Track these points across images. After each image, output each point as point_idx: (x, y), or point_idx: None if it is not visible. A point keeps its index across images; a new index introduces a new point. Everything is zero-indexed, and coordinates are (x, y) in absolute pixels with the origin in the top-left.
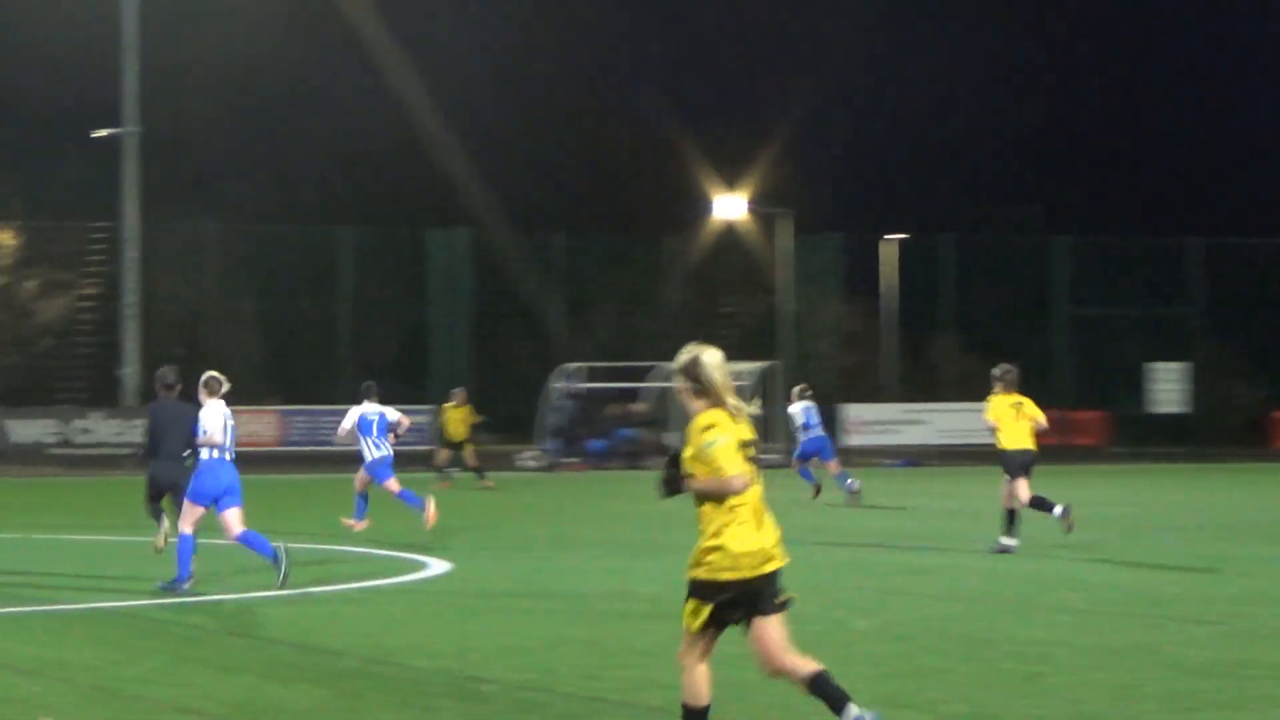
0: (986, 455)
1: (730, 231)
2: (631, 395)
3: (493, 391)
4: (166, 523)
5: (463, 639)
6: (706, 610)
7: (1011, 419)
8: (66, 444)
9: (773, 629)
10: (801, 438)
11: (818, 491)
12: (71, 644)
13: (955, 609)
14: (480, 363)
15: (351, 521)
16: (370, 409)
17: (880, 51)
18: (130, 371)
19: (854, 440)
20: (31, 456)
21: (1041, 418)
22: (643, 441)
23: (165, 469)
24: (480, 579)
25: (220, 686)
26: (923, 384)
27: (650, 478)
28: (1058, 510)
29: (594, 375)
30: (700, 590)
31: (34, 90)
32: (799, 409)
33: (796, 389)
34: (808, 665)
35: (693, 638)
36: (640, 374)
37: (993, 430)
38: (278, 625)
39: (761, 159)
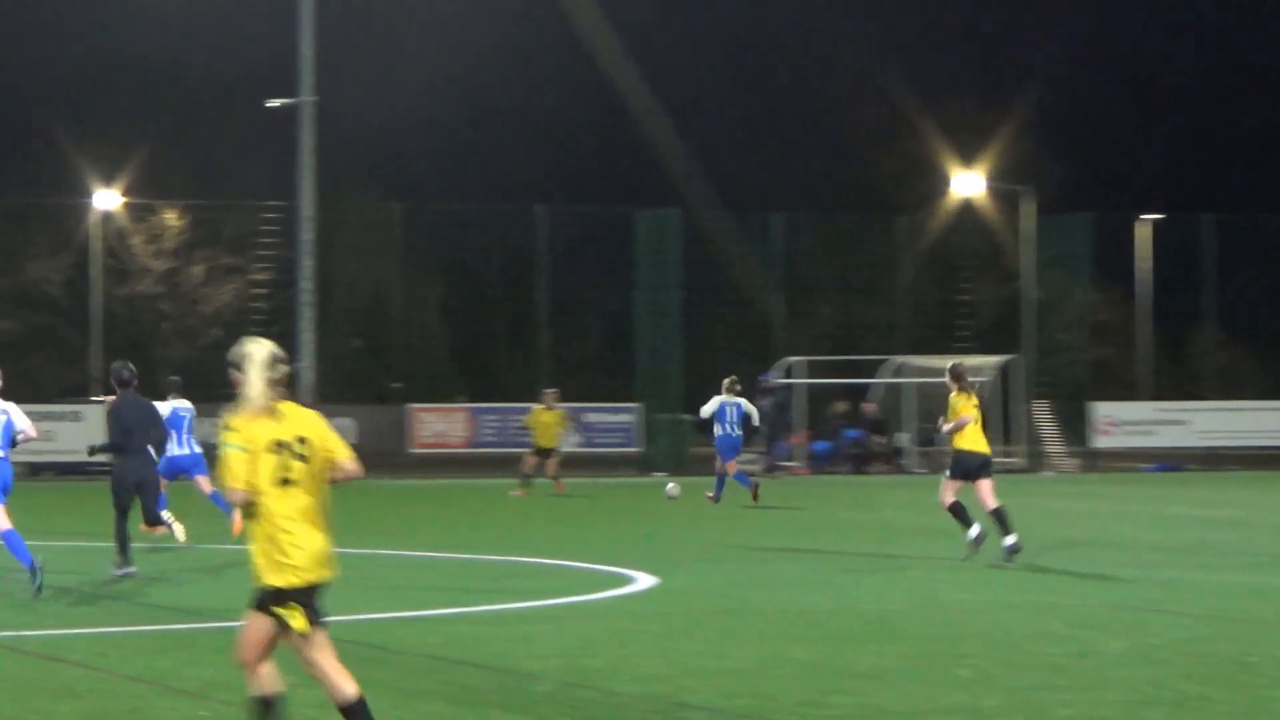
0: (1254, 458)
1: (968, 211)
2: (858, 392)
3: (704, 388)
4: (177, 525)
5: (669, 660)
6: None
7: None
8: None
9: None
10: (722, 432)
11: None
12: (172, 661)
13: (1217, 630)
14: (690, 356)
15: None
16: (183, 405)
17: (1129, 14)
18: (306, 366)
19: (1104, 442)
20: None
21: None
22: (870, 443)
23: (134, 466)
24: (688, 594)
25: (404, 713)
26: (1181, 380)
27: (876, 483)
28: (973, 531)
29: (815, 370)
30: (270, 597)
31: (201, 57)
32: (719, 403)
33: (727, 380)
34: (350, 687)
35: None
36: (869, 369)
37: (957, 429)
38: (465, 645)
39: (1001, 132)
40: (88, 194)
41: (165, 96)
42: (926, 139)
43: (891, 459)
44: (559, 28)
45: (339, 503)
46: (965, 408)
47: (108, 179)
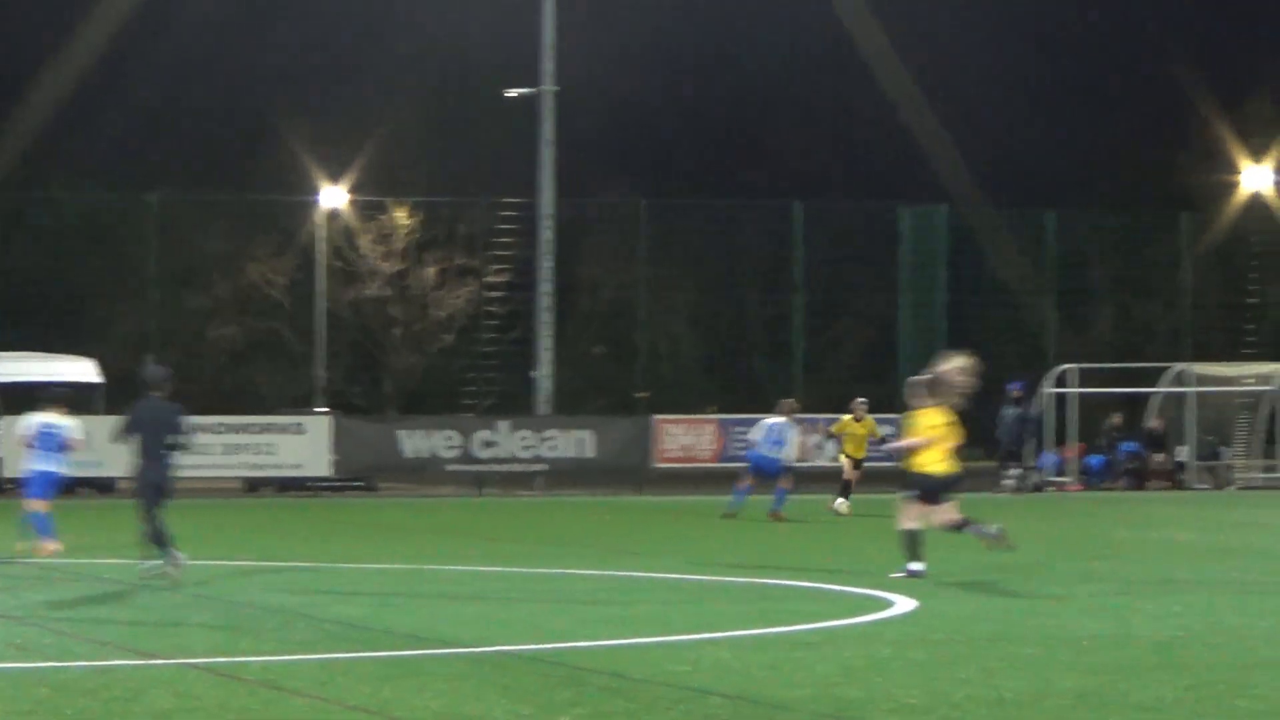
0: None
1: (1257, 207)
2: (1135, 402)
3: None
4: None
5: (930, 691)
6: None
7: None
8: (468, 458)
9: None
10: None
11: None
12: (473, 694)
13: None
14: None
15: (42, 544)
16: (55, 420)
17: None
18: (545, 375)
19: None
20: (428, 472)
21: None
22: (1148, 458)
23: (152, 470)
24: (951, 619)
25: None
26: None
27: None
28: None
29: (1090, 379)
30: None
31: (434, 45)
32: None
33: (789, 402)
34: None
35: None
36: (1148, 377)
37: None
38: (712, 673)
39: None
40: (313, 192)
41: (396, 88)
42: (1214, 132)
43: (1172, 474)
44: (819, 15)
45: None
46: (926, 427)
47: (335, 176)
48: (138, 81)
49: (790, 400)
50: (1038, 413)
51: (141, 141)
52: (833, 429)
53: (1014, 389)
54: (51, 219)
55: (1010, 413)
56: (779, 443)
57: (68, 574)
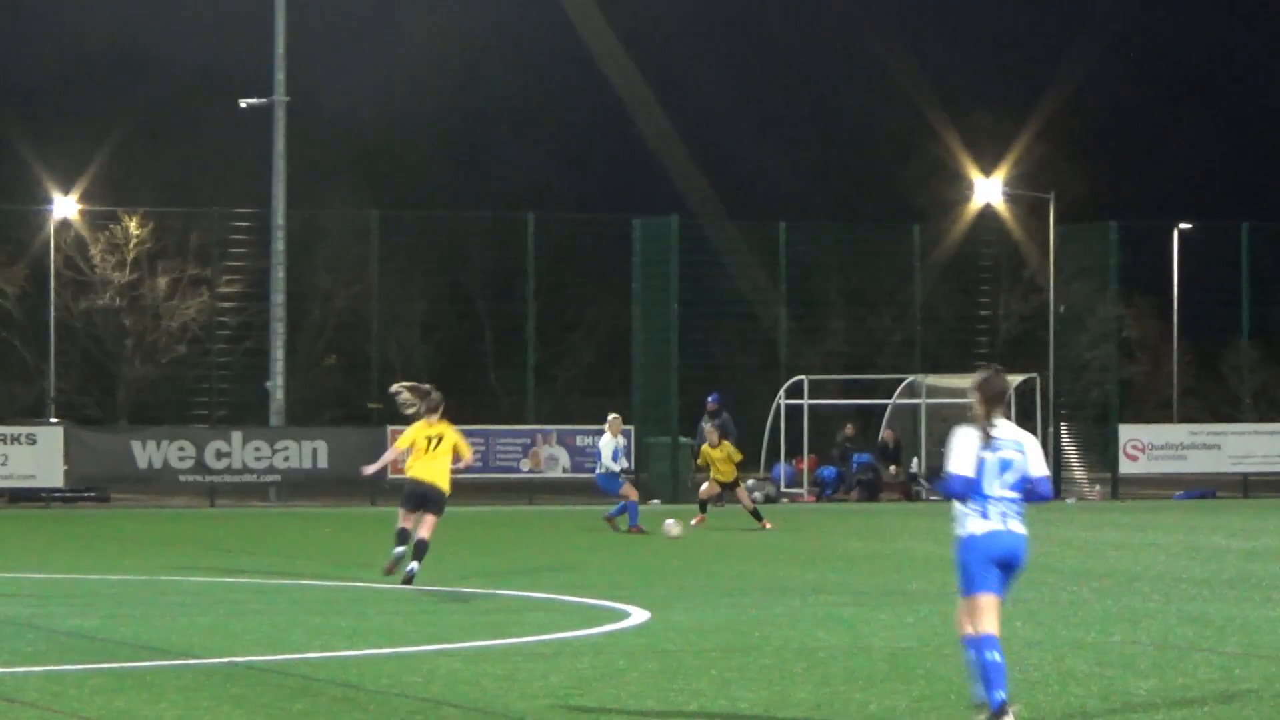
0: None
1: (988, 220)
2: (870, 414)
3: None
4: None
5: (665, 701)
6: None
7: None
8: (201, 469)
9: None
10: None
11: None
12: (206, 705)
13: (1253, 669)
14: (688, 375)
15: None
16: None
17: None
18: (278, 385)
19: (1131, 467)
20: (161, 483)
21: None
22: (882, 469)
23: None
24: (686, 630)
25: None
26: (1214, 401)
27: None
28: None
29: (823, 390)
30: None
31: (167, 54)
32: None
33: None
34: None
35: None
36: (882, 388)
37: None
38: (448, 683)
39: (1022, 137)
40: (45, 201)
41: (129, 97)
42: (945, 144)
43: (905, 486)
44: (554, 24)
45: (311, 534)
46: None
47: (65, 185)
48: None
49: (617, 416)
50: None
51: None
52: (698, 462)
53: (712, 401)
54: None
55: (707, 425)
56: (615, 458)
57: None
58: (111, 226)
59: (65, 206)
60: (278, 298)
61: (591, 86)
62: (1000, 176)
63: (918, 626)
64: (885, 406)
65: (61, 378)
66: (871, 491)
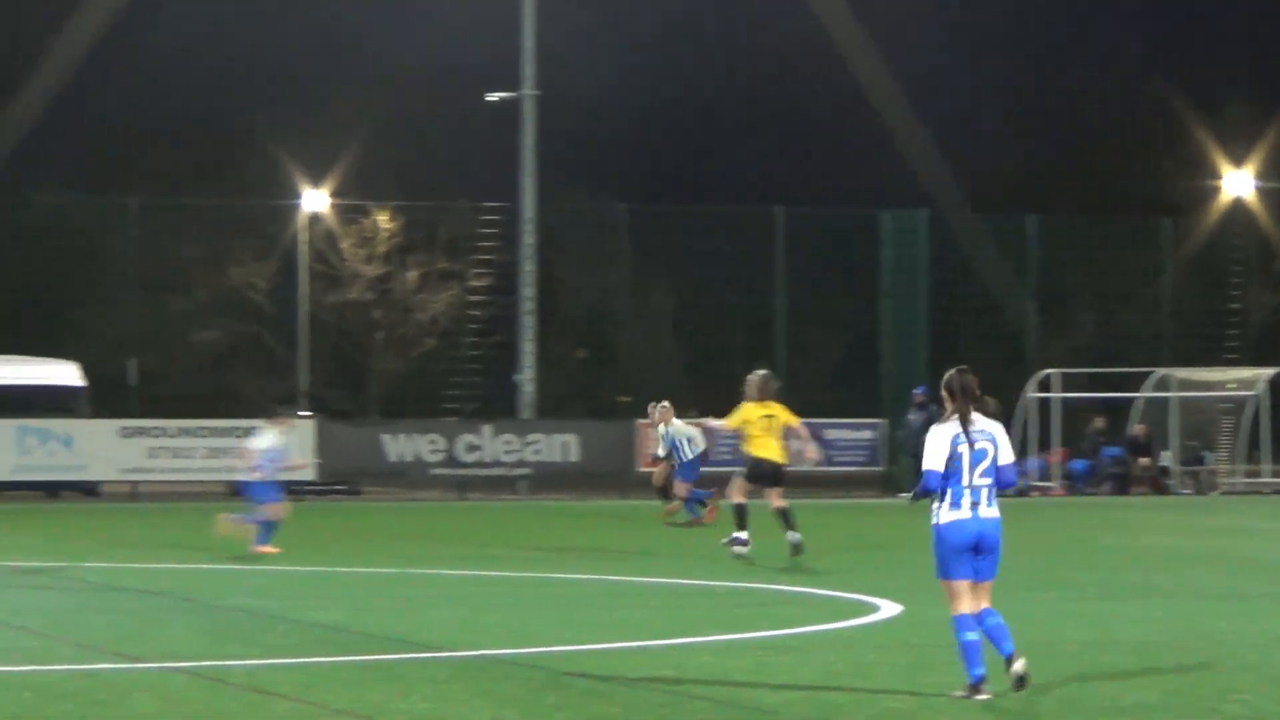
0: None
1: (1239, 213)
2: (1119, 407)
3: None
4: None
5: (915, 695)
6: None
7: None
8: (452, 462)
9: None
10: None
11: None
12: (456, 698)
13: None
14: (936, 368)
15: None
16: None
17: None
18: (527, 378)
19: None
20: (412, 477)
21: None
22: (1132, 462)
23: None
24: (935, 623)
25: None
26: None
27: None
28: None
29: (1072, 383)
30: None
31: (415, 48)
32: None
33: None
34: None
35: None
36: (1131, 382)
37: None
38: (698, 676)
39: (1271, 129)
40: (295, 195)
41: (378, 90)
42: (1196, 137)
43: (1155, 480)
44: (801, 19)
45: (562, 527)
46: (745, 415)
47: (316, 179)
48: (118, 85)
49: (667, 405)
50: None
51: (122, 145)
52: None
53: (920, 393)
54: (31, 222)
55: (915, 418)
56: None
57: (54, 577)
58: (361, 220)
59: (316, 200)
60: (527, 291)
61: (837, 79)
62: (1251, 169)
63: (1166, 621)
64: (1133, 400)
65: (312, 371)
66: (1121, 485)
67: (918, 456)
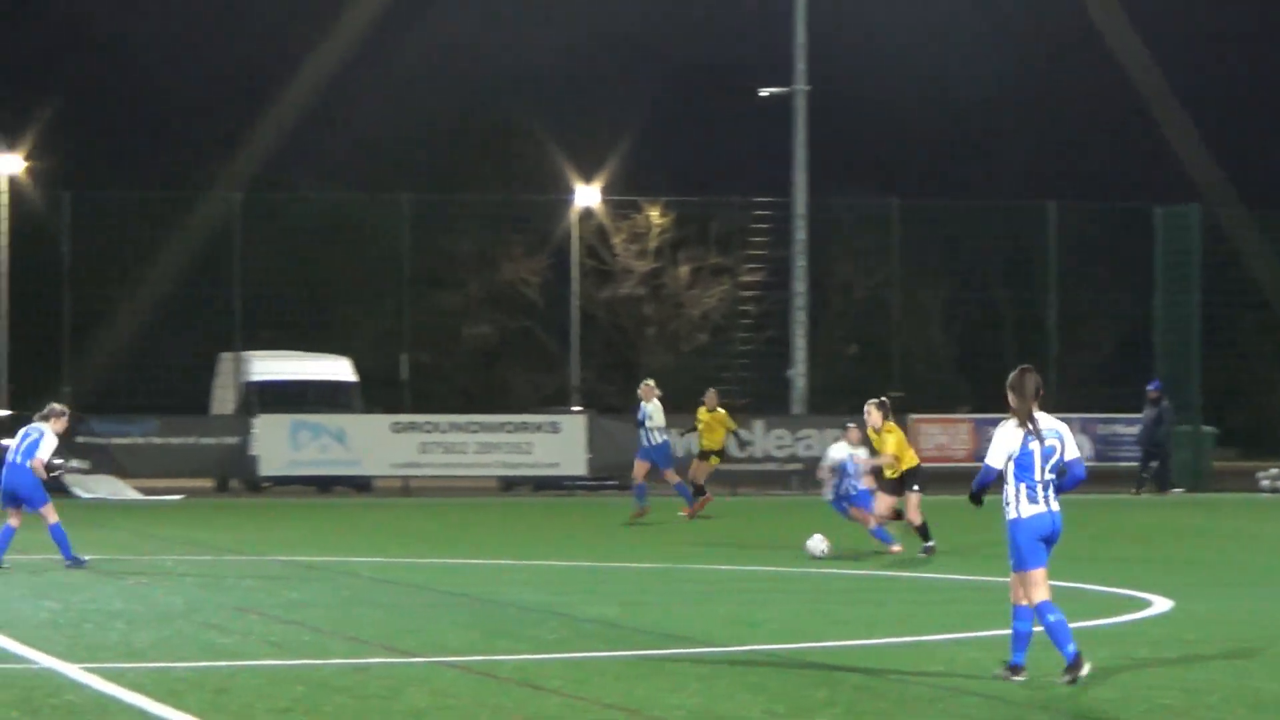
0: None
1: None
2: None
3: (1227, 396)
4: None
5: (1186, 691)
6: None
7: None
8: (723, 458)
9: None
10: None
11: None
12: (726, 693)
13: None
14: (1210, 364)
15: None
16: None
17: None
18: (799, 374)
19: None
20: (684, 471)
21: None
22: None
23: None
24: (1208, 620)
25: None
26: None
27: None
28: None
29: None
30: None
31: (686, 43)
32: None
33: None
34: None
35: None
36: None
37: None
38: (968, 672)
39: None
40: (566, 191)
41: (649, 86)
42: None
43: None
44: (1068, 13)
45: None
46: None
47: (588, 175)
48: (388, 81)
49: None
50: (1166, 413)
51: (395, 141)
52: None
53: (1152, 389)
54: (304, 218)
55: (1149, 413)
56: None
57: (326, 571)
58: (633, 215)
59: (587, 196)
60: (799, 286)
61: (1108, 74)
62: None
63: None
64: None
65: (584, 366)
66: None
67: (1150, 452)
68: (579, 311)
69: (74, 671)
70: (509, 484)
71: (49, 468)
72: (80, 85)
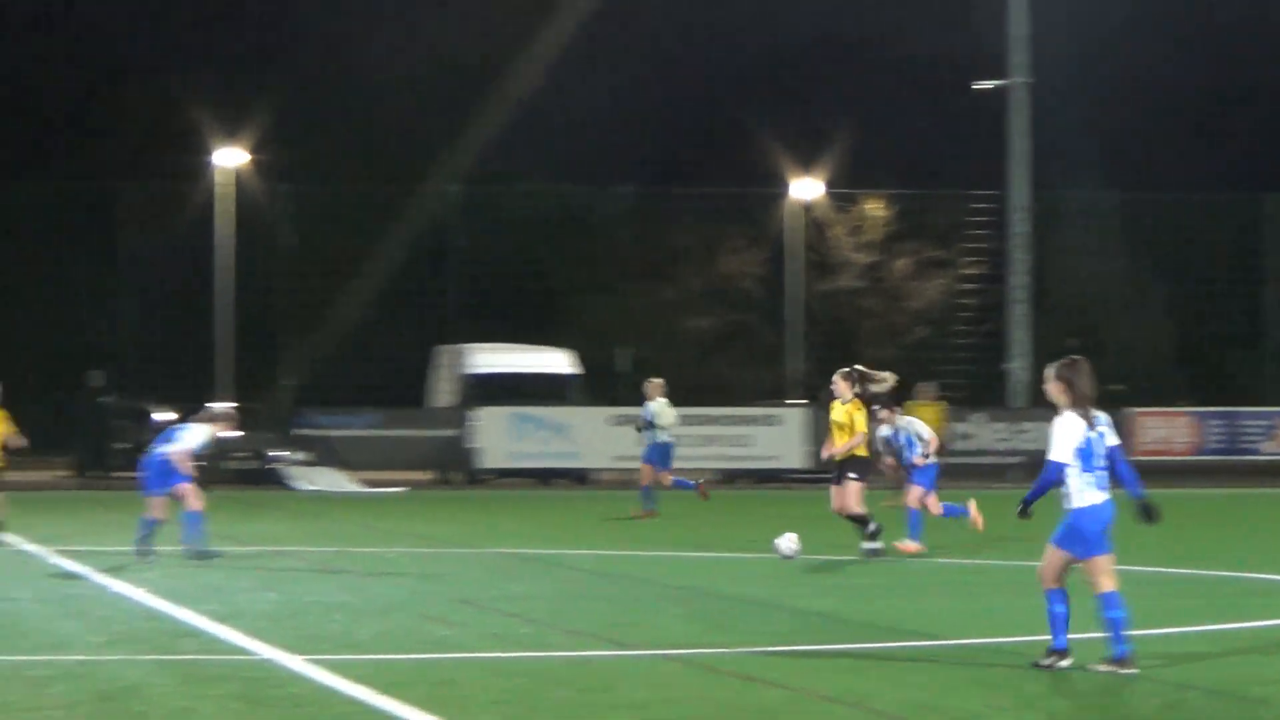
0: None
1: None
2: None
3: None
4: None
5: None
6: None
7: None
8: (942, 451)
9: None
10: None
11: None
12: (948, 687)
13: None
14: None
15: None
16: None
17: None
18: (1019, 366)
19: None
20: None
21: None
22: None
23: None
24: None
25: None
26: None
27: None
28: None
29: None
30: None
31: (906, 36)
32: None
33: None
34: None
35: None
36: None
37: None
38: (1189, 666)
39: None
40: (784, 184)
41: (868, 80)
42: None
43: None
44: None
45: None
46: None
47: (807, 167)
48: (607, 73)
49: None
50: None
51: (617, 134)
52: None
53: None
54: (526, 211)
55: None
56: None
57: (546, 564)
58: (852, 209)
59: (807, 189)
60: (1018, 280)
61: None
62: None
63: None
64: None
65: (804, 359)
66: None
67: None
68: (802, 304)
69: (296, 663)
70: (730, 477)
71: (191, 459)
72: (302, 80)
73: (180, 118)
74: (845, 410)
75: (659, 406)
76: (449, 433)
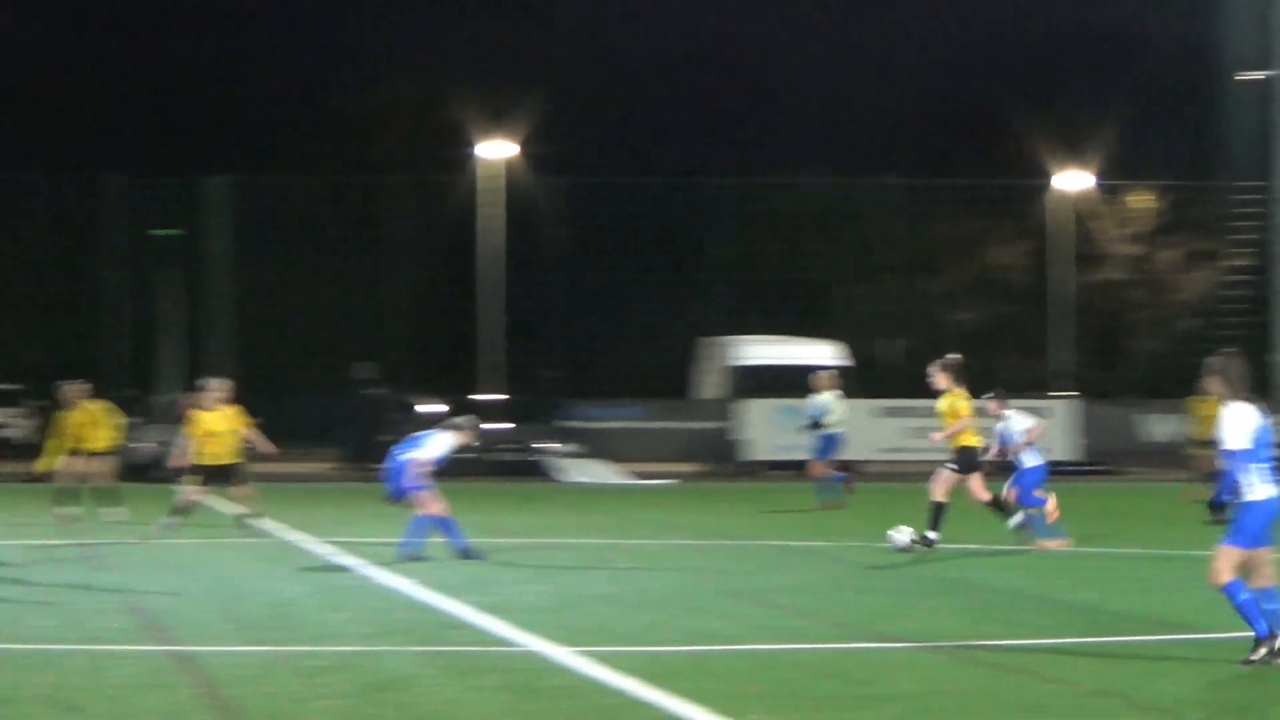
0: None
1: None
2: None
3: None
4: None
5: None
6: None
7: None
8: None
9: None
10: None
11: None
12: (1223, 680)
13: None
14: None
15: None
16: None
17: None
18: None
19: None
20: (1172, 457)
21: None
22: None
23: None
24: None
25: None
26: None
27: None
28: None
29: None
30: None
31: (1172, 27)
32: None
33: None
34: None
35: None
36: None
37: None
38: None
39: None
40: (1050, 175)
41: (1132, 71)
42: None
43: None
44: None
45: None
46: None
47: (1075, 159)
48: (873, 65)
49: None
50: None
51: (878, 125)
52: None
53: None
54: (793, 204)
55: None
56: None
57: (813, 556)
58: (1119, 200)
59: (1072, 180)
60: (1278, 270)
61: None
62: None
63: None
64: None
65: (1071, 350)
66: None
67: None
68: (1073, 296)
69: (563, 654)
70: (1001, 468)
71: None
72: (574, 74)
73: (445, 110)
74: (947, 400)
75: (829, 400)
76: (715, 425)
